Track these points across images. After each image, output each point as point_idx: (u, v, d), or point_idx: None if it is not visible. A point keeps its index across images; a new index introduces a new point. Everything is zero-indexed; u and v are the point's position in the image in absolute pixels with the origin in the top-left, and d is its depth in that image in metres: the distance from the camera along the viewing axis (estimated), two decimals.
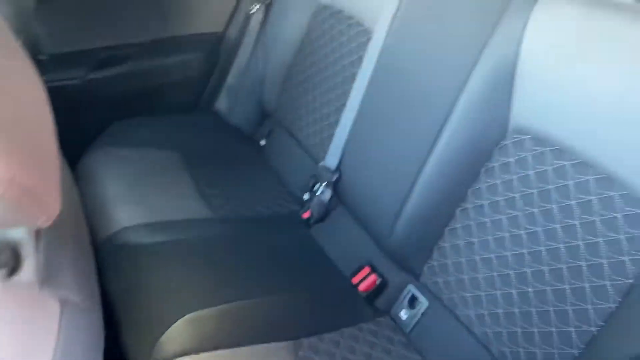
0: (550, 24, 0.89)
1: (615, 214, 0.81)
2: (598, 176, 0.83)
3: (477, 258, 0.99)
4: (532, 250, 0.91)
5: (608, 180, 0.81)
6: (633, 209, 0.79)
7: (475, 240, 1.00)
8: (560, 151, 0.88)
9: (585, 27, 0.85)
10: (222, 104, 1.66)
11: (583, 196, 0.84)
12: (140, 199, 1.24)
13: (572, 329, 0.86)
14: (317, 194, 1.28)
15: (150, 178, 1.32)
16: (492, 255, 0.97)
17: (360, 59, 1.23)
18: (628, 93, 0.79)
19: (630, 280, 0.79)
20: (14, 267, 0.47)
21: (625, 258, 0.79)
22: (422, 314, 1.08)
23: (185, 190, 1.31)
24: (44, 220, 0.39)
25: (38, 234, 0.51)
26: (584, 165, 0.84)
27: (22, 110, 0.35)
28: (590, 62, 0.84)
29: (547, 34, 0.89)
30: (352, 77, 1.24)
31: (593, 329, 0.83)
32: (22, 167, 0.33)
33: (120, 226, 1.16)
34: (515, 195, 0.94)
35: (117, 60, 1.43)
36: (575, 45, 0.86)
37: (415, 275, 1.11)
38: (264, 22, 1.53)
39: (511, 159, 0.95)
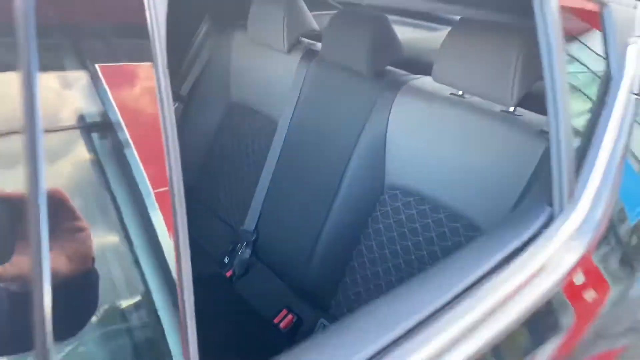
0: (404, 112, 1.27)
1: (460, 239, 1.16)
2: (447, 213, 1.19)
3: (372, 286, 1.29)
4: (410, 273, 1.23)
5: (454, 215, 1.18)
6: (472, 233, 1.15)
7: (369, 272, 1.30)
8: (422, 199, 1.23)
9: (427, 113, 1.24)
10: None
11: (439, 229, 1.20)
12: None
13: None
14: (239, 253, 1.52)
15: None
16: (382, 282, 1.27)
17: (268, 143, 1.55)
18: (458, 154, 1.18)
19: None
20: None
21: None
22: None
23: None
24: None
25: None
26: (438, 207, 1.20)
27: None
28: (431, 137, 1.23)
29: (403, 119, 1.28)
30: (263, 157, 1.55)
31: None
32: None
33: None
34: (394, 234, 1.27)
35: None
36: (421, 125, 1.25)
37: (325, 310, 1.37)
38: (181, 117, 1.81)
39: (388, 208, 1.29)
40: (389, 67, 1.38)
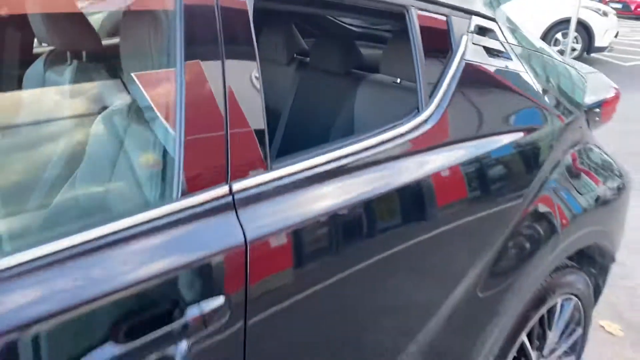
0: (364, 97, 1.96)
1: None
2: None
3: None
4: None
5: None
6: None
7: None
8: None
9: (378, 96, 1.93)
10: None
11: None
12: None
13: None
14: None
15: None
16: None
17: (274, 127, 2.23)
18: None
19: None
20: None
21: None
22: None
23: None
24: None
25: None
26: None
27: None
28: (381, 110, 1.90)
29: (364, 101, 1.96)
30: (271, 137, 2.23)
31: None
32: None
33: None
34: None
35: None
36: (375, 104, 1.93)
37: None
38: None
39: None
40: (354, 70, 2.08)
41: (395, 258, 1.18)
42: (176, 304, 0.85)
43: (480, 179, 1.36)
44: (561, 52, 8.78)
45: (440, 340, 1.36)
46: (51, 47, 1.85)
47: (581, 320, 1.90)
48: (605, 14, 9.01)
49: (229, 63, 0.96)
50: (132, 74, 1.09)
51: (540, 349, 1.76)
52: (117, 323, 0.79)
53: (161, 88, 0.99)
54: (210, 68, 0.93)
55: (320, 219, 1.04)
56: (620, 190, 1.84)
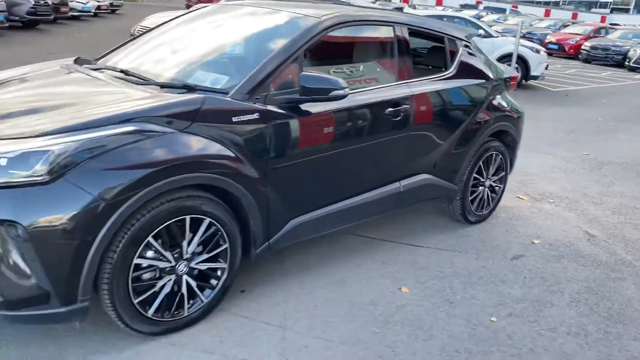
0: (419, 71, 4.62)
1: None
2: None
3: None
4: None
5: None
6: None
7: None
8: None
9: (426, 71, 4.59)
10: None
11: None
12: None
13: None
14: None
15: None
16: None
17: None
18: None
19: None
20: None
21: None
22: None
23: None
24: None
25: None
26: None
27: None
28: None
29: (419, 71, 4.62)
30: None
31: None
32: None
33: None
34: None
35: None
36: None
37: None
38: None
39: None
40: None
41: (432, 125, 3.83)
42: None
43: (462, 94, 4.03)
44: None
45: (440, 163, 3.97)
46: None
47: (503, 167, 4.57)
48: (537, 51, 12.14)
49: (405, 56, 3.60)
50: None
51: (482, 173, 4.42)
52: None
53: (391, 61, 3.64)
54: (400, 55, 3.58)
55: (427, 91, 3.69)
56: (518, 113, 4.56)
